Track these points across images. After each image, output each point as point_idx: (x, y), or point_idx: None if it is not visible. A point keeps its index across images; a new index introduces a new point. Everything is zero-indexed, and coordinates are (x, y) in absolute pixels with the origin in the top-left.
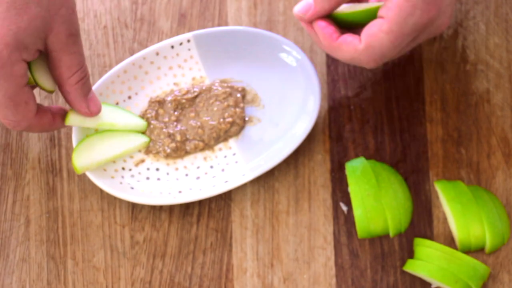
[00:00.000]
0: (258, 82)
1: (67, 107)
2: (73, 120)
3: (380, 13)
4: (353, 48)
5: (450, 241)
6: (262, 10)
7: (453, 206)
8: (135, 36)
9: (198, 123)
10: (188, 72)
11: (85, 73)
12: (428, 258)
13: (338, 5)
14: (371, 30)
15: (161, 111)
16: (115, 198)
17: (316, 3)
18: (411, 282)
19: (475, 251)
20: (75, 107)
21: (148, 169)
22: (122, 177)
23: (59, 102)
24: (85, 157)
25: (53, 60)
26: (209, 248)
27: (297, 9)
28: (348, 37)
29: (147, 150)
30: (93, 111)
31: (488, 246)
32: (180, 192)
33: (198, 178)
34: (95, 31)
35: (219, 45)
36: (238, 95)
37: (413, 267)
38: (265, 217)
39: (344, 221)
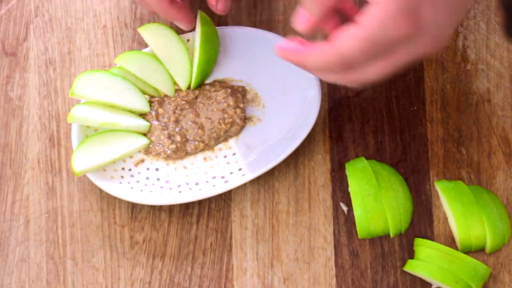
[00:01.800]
0: (258, 82)
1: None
2: (76, 117)
3: (355, 19)
4: (320, 52)
5: (450, 242)
6: (262, 10)
7: (453, 206)
8: (135, 35)
9: (198, 124)
10: None
11: None
12: (428, 259)
13: (328, 10)
14: (343, 35)
15: (161, 110)
16: (114, 198)
17: (311, 14)
18: (411, 282)
19: (476, 251)
20: None
21: (147, 169)
22: (122, 177)
23: (59, 102)
24: (84, 161)
25: None
26: (209, 248)
27: (301, 26)
28: (316, 44)
29: (147, 150)
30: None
31: (488, 246)
32: (180, 192)
33: (198, 178)
34: (95, 30)
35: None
36: (238, 95)
37: (414, 268)
38: (265, 217)
39: (344, 221)
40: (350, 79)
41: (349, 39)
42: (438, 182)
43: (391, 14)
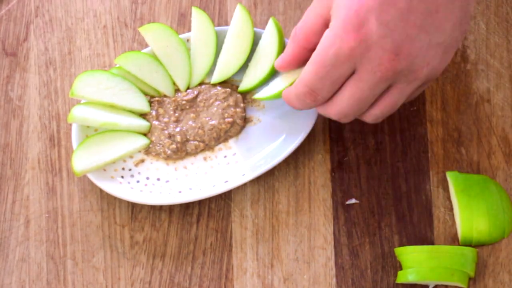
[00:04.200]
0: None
1: None
2: (76, 118)
3: None
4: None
5: (450, 242)
6: (262, 10)
7: (460, 197)
8: (135, 35)
9: (198, 124)
10: None
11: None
12: (416, 264)
13: (303, 49)
14: (306, 65)
15: (161, 110)
16: (114, 198)
17: (287, 53)
18: None
19: (476, 246)
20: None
21: (148, 169)
22: (122, 177)
23: (59, 102)
24: (84, 160)
25: None
26: (209, 248)
27: (278, 64)
28: None
29: (147, 150)
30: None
31: (487, 236)
32: (180, 192)
33: (198, 178)
34: (95, 30)
35: (219, 44)
36: (238, 95)
37: (405, 277)
38: (265, 217)
39: (344, 221)
40: (333, 111)
41: (307, 66)
42: (450, 173)
43: (337, 32)
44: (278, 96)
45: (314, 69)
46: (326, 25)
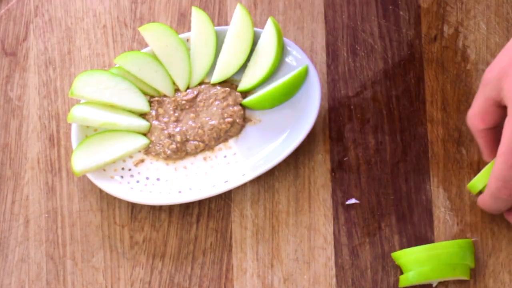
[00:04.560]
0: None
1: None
2: (76, 117)
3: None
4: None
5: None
6: (262, 10)
7: None
8: (135, 35)
9: (198, 123)
10: None
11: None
12: (416, 265)
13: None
14: (496, 158)
15: (161, 110)
16: (114, 198)
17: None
18: None
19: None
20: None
21: (147, 169)
22: (122, 177)
23: (58, 102)
24: (84, 161)
25: None
26: (209, 248)
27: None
28: None
29: (147, 150)
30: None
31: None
32: (179, 192)
33: (198, 178)
34: (94, 30)
35: (219, 44)
36: (237, 93)
37: (408, 280)
38: (265, 217)
39: (344, 221)
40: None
41: (497, 158)
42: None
43: None
44: (263, 99)
45: (503, 160)
46: (497, 105)
